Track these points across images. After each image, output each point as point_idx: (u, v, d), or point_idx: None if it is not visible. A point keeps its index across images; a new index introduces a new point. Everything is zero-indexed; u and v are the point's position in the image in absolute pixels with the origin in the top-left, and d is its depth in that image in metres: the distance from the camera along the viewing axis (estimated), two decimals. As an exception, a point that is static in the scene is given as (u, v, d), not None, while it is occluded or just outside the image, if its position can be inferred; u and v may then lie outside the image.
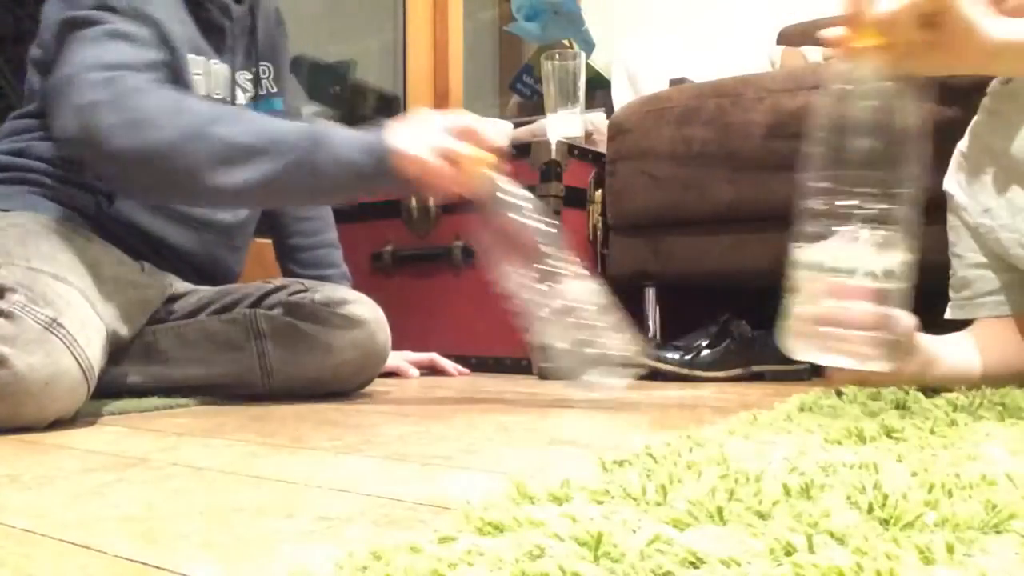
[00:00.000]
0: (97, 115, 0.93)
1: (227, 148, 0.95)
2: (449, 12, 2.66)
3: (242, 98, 1.23)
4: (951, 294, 1.13)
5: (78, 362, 0.87)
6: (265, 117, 1.06)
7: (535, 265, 0.99)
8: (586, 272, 1.02)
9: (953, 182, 1.14)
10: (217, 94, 1.17)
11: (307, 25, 2.42)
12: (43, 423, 0.87)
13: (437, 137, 0.98)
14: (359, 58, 2.55)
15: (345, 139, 0.98)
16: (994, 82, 1.10)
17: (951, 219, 1.13)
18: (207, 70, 1.16)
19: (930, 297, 1.16)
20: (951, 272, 1.13)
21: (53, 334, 0.86)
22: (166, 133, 0.94)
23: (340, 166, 0.97)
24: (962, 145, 1.14)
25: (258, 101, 1.26)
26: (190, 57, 1.12)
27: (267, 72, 1.27)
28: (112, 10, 1.02)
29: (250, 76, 1.25)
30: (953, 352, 1.01)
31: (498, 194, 0.99)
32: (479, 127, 1.00)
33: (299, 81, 2.37)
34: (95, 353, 0.90)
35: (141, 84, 0.97)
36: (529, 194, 1.02)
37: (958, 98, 1.20)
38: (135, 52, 1.00)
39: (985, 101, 1.11)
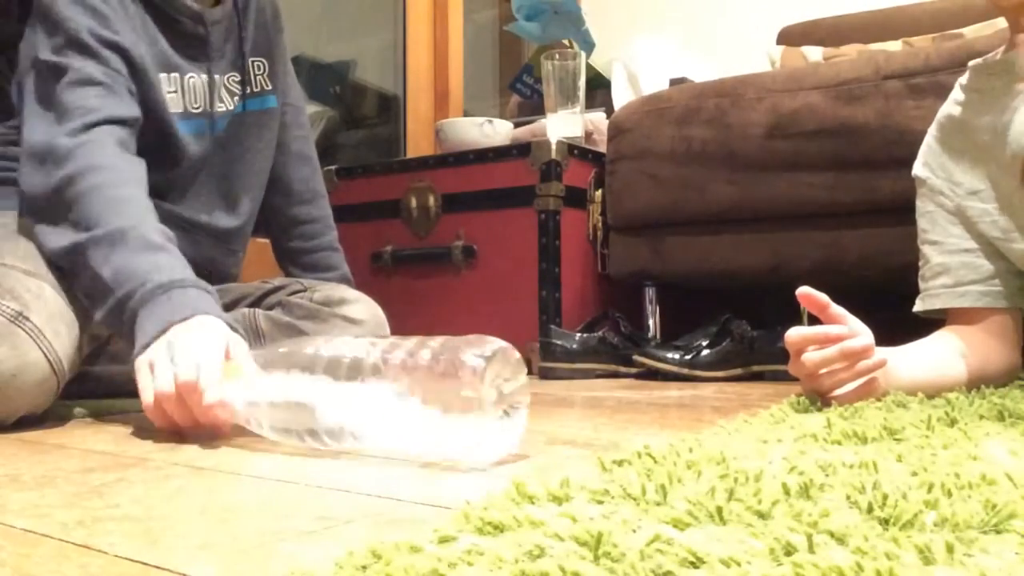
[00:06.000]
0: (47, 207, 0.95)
1: (88, 277, 0.91)
2: (449, 12, 2.67)
3: (229, 103, 1.21)
4: (921, 284, 1.08)
5: (45, 355, 0.87)
6: (155, 241, 0.92)
7: None
8: None
9: (924, 166, 1.10)
10: (195, 107, 1.16)
11: (307, 25, 2.42)
12: (12, 417, 0.87)
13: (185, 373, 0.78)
14: (359, 58, 2.56)
15: (153, 314, 0.85)
16: (975, 61, 1.07)
17: (923, 206, 1.09)
18: (181, 86, 1.14)
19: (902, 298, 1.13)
20: (922, 262, 1.08)
21: (19, 327, 0.86)
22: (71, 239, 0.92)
23: (128, 321, 0.87)
24: (933, 128, 1.10)
25: (249, 99, 1.24)
26: (161, 76, 1.11)
27: (261, 68, 1.25)
28: (80, 46, 1.01)
29: (238, 78, 1.22)
30: (912, 364, 0.94)
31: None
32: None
33: (299, 81, 2.37)
34: (64, 346, 0.90)
35: (102, 162, 0.95)
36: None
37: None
38: (101, 102, 0.99)
39: (963, 79, 1.08)
